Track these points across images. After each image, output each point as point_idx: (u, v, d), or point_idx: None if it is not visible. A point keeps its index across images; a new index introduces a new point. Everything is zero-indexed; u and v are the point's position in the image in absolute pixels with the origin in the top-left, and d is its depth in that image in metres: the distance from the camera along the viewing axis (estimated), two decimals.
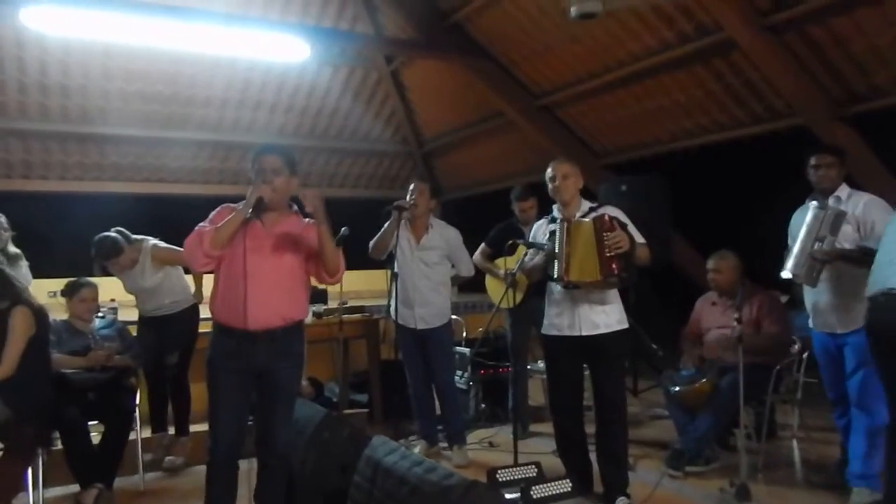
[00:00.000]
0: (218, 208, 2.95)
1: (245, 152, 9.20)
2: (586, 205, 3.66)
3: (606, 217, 3.36)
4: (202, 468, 4.29)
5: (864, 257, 3.30)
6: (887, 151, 5.43)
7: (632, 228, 3.47)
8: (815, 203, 3.56)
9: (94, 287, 4.25)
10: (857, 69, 5.19)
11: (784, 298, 4.70)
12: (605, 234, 3.29)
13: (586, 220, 3.45)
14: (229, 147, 8.99)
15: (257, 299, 2.83)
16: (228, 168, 9.23)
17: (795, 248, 3.51)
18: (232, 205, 2.92)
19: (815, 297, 3.66)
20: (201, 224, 2.88)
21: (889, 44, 4.88)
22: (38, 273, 5.03)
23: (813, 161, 3.64)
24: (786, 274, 3.56)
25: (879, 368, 3.09)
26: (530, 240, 3.79)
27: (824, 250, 3.39)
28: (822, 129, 5.56)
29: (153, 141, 8.40)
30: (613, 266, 3.29)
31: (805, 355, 4.23)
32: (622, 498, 3.52)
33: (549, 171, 3.65)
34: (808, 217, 3.50)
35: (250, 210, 2.83)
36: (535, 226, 3.86)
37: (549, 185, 3.65)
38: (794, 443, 4.65)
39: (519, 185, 5.29)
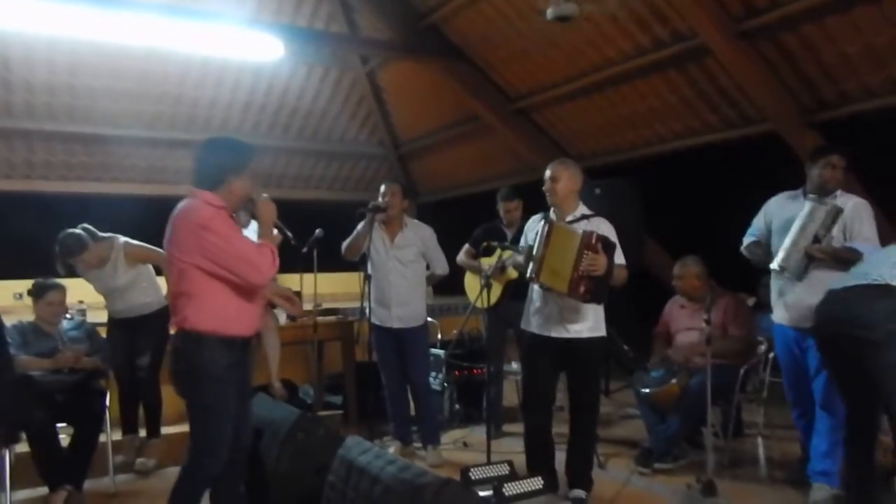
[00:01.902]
0: (216, 220, 2.67)
1: None
2: (581, 210, 3.66)
3: (595, 236, 3.32)
4: (174, 470, 4.24)
5: (854, 258, 3.36)
6: (855, 158, 5.55)
7: (618, 251, 3.44)
8: (813, 196, 3.57)
9: (62, 289, 4.18)
10: (826, 76, 5.31)
11: (751, 301, 4.78)
12: (585, 251, 3.27)
13: (576, 229, 3.42)
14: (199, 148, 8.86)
15: (257, 307, 2.91)
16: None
17: (787, 242, 3.53)
18: (213, 211, 2.70)
19: (783, 288, 3.68)
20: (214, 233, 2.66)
21: (858, 52, 4.99)
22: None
23: (828, 159, 3.61)
24: (774, 266, 3.59)
25: (827, 363, 3.28)
26: (524, 236, 3.81)
27: (822, 248, 3.42)
28: (792, 136, 5.67)
29: (121, 139, 8.26)
30: (581, 287, 3.29)
31: (771, 355, 4.32)
32: (579, 490, 3.57)
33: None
34: (804, 211, 3.51)
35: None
36: (530, 221, 3.85)
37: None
38: (760, 440, 4.75)
39: (505, 186, 5.32)
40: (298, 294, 6.69)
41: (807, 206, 3.53)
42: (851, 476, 3.20)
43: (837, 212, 3.43)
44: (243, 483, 3.04)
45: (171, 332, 4.10)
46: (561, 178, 3.59)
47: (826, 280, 3.40)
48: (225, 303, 2.72)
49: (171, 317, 2.81)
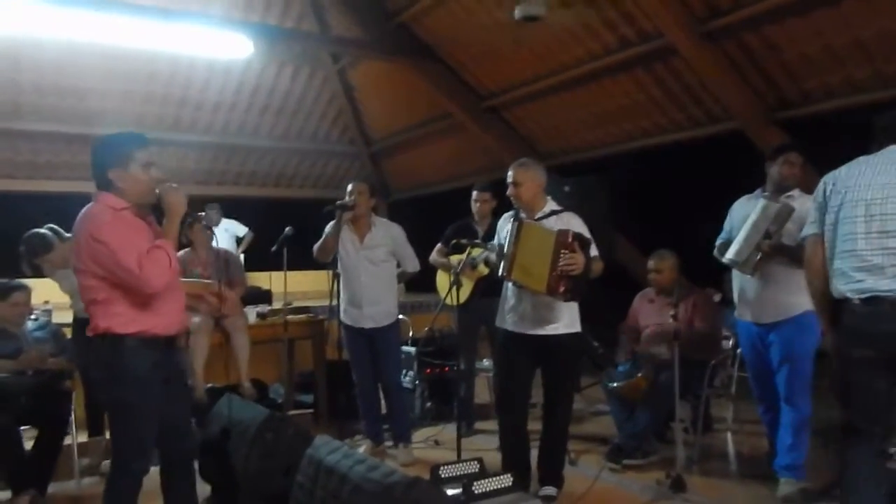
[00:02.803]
0: (111, 224, 2.59)
1: (187, 151, 9.03)
2: (549, 207, 3.65)
3: (571, 234, 3.30)
4: None
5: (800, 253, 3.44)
6: (818, 156, 5.66)
7: (592, 247, 3.44)
8: (766, 195, 3.65)
9: (27, 290, 4.11)
10: (788, 76, 5.41)
11: (717, 297, 4.86)
12: (563, 251, 3.25)
13: (550, 228, 3.41)
14: (171, 145, 8.78)
15: (176, 304, 2.83)
16: (169, 168, 8.99)
17: (740, 236, 3.60)
18: (114, 215, 2.62)
19: (743, 285, 3.76)
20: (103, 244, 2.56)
21: (817, 52, 5.10)
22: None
23: (785, 156, 3.71)
24: (727, 258, 3.65)
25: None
26: (497, 234, 3.80)
27: (770, 243, 3.49)
28: (756, 134, 5.77)
29: (85, 139, 8.13)
30: (560, 286, 3.27)
31: (738, 351, 4.38)
32: (550, 488, 3.60)
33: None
34: (757, 208, 3.58)
35: (180, 218, 2.78)
36: (502, 219, 3.84)
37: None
38: (729, 436, 4.82)
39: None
40: (268, 293, 6.68)
41: (760, 203, 3.60)
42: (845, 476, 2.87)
43: (789, 210, 3.49)
44: (194, 487, 2.99)
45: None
46: (523, 181, 3.57)
47: (784, 276, 3.49)
48: (137, 304, 2.66)
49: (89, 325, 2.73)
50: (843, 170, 2.80)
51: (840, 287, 2.72)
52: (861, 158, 2.79)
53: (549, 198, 3.70)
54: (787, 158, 3.69)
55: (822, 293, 2.84)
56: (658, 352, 4.28)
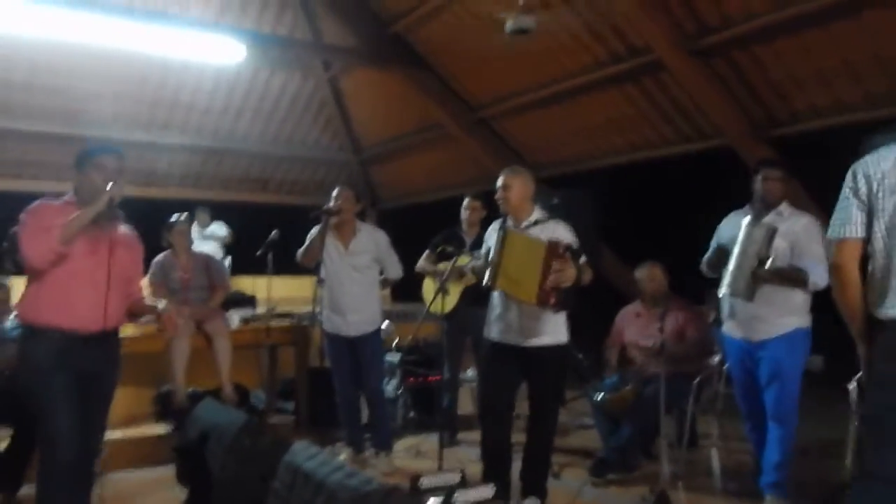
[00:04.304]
0: (37, 205, 2.85)
1: (176, 154, 8.97)
2: (535, 215, 3.62)
3: (562, 246, 3.24)
4: (118, 476, 4.20)
5: (799, 275, 3.43)
6: (805, 173, 5.70)
7: (582, 258, 3.39)
8: (748, 219, 3.57)
9: (6, 288, 4.06)
10: (777, 95, 5.45)
11: (711, 316, 4.82)
12: (553, 261, 3.19)
13: (538, 237, 3.35)
14: (161, 149, 8.74)
15: (113, 302, 2.89)
16: (159, 170, 8.97)
17: (731, 266, 3.52)
18: (53, 202, 2.89)
19: (733, 303, 3.70)
20: (22, 220, 2.81)
21: (805, 73, 5.14)
22: None
23: (762, 173, 3.68)
24: (723, 293, 3.60)
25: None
26: (484, 243, 3.78)
27: (769, 270, 3.41)
28: (745, 150, 5.80)
29: (75, 139, 8.06)
30: (551, 298, 3.22)
31: (725, 367, 4.36)
32: (533, 499, 3.55)
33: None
34: (741, 234, 3.52)
35: (99, 210, 2.80)
36: (490, 228, 3.80)
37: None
38: (714, 451, 4.79)
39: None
40: (252, 298, 6.62)
41: (743, 229, 3.53)
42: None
43: (773, 231, 3.45)
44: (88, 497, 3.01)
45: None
46: (513, 185, 3.56)
47: (777, 295, 3.48)
48: (50, 295, 2.77)
49: None
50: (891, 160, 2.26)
51: None
52: None
53: (536, 206, 3.68)
54: (766, 174, 3.67)
55: (859, 308, 2.32)
56: (645, 365, 4.26)
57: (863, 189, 2.28)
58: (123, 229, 3.09)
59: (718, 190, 4.33)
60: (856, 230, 2.28)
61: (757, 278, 3.45)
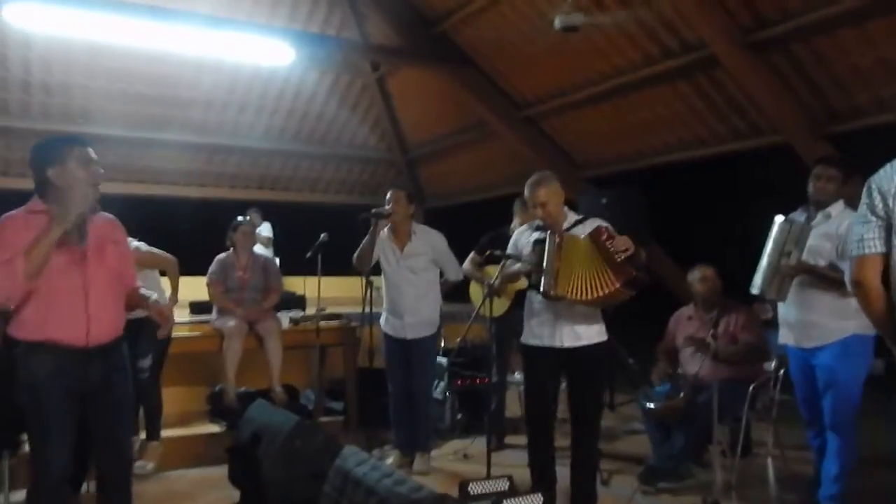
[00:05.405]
0: (15, 228, 2.50)
1: (228, 155, 9.15)
2: (572, 217, 3.60)
3: (601, 228, 3.32)
4: (173, 473, 4.30)
5: (831, 274, 3.29)
6: (870, 171, 5.48)
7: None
8: (780, 218, 3.50)
9: None
10: (838, 89, 5.25)
11: (769, 314, 4.68)
12: (606, 242, 3.24)
13: (581, 237, 3.36)
14: (213, 149, 8.93)
15: (105, 313, 2.68)
16: (211, 170, 9.16)
17: (762, 264, 3.48)
18: (16, 214, 2.57)
19: (784, 310, 3.64)
20: None
21: (869, 64, 4.94)
22: None
23: (814, 171, 3.55)
24: (754, 290, 3.55)
25: None
26: (514, 245, 3.74)
27: (790, 264, 3.36)
28: (803, 148, 5.61)
29: (136, 141, 8.31)
30: (629, 270, 3.22)
31: (781, 372, 4.23)
32: None
33: (526, 193, 3.58)
34: (774, 231, 3.45)
35: (66, 228, 2.50)
36: (517, 232, 3.80)
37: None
38: (769, 461, 4.64)
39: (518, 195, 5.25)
40: (302, 298, 6.69)
41: (775, 227, 3.45)
42: None
43: (805, 230, 3.36)
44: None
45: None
46: (549, 201, 3.50)
47: (821, 299, 3.36)
48: (38, 307, 2.55)
49: None
50: None
51: None
52: None
53: (566, 208, 3.64)
54: (817, 173, 3.53)
55: (887, 319, 2.27)
56: (692, 367, 4.15)
57: (879, 205, 2.25)
58: (102, 220, 2.80)
59: (774, 188, 4.18)
60: (875, 245, 2.24)
61: (781, 273, 3.37)
